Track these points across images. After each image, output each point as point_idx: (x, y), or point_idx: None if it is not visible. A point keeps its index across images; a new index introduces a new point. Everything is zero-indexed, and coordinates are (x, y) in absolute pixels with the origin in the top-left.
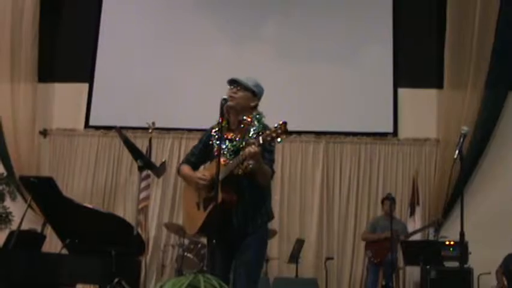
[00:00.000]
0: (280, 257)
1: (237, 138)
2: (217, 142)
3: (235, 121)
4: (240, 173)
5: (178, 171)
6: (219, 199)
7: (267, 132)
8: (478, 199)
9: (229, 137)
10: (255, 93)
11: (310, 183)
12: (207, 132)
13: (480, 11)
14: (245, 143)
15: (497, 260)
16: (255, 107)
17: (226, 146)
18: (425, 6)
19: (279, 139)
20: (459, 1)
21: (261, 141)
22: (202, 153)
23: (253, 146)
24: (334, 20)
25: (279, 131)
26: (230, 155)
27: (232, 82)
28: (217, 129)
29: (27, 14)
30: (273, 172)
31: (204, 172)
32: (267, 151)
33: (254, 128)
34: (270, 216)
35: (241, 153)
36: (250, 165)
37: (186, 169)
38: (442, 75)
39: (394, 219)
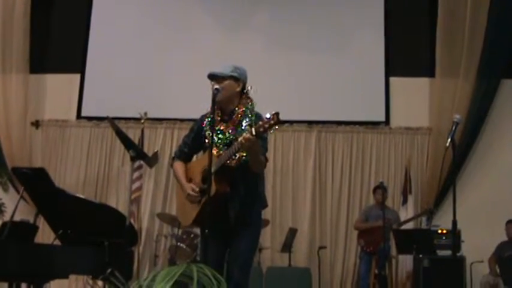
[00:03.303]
0: (273, 247)
1: (230, 130)
2: (209, 133)
3: (226, 111)
4: (233, 164)
5: (172, 166)
6: (213, 191)
7: (260, 123)
8: (471, 187)
9: (221, 128)
10: (236, 77)
11: (303, 173)
12: (198, 121)
13: None
14: (238, 136)
15: (489, 248)
16: (243, 90)
17: (219, 138)
18: None
19: (271, 130)
20: None
21: (253, 133)
22: (195, 143)
23: (246, 136)
24: (325, 9)
25: (272, 122)
26: (223, 146)
27: (210, 77)
28: (209, 118)
29: (19, 4)
30: (267, 160)
31: (196, 176)
32: (260, 139)
33: (247, 119)
34: (265, 205)
35: (233, 144)
36: (244, 157)
37: (179, 171)
38: (434, 64)
39: (387, 208)
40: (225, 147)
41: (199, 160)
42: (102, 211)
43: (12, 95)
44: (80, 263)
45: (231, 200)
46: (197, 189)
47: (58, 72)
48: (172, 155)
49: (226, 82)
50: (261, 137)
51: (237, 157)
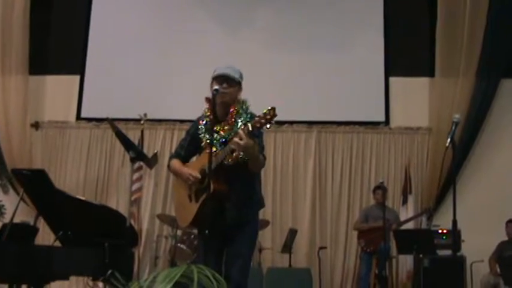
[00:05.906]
0: (273, 247)
1: (225, 129)
2: (206, 134)
3: (223, 113)
4: (230, 163)
5: (169, 166)
6: (211, 190)
7: (256, 118)
8: (471, 187)
9: (217, 128)
10: (240, 83)
11: (303, 173)
12: (194, 124)
13: None
14: (234, 133)
15: (490, 248)
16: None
17: (215, 138)
18: None
19: (268, 125)
20: None
21: (250, 129)
22: (191, 145)
23: (241, 136)
24: (325, 9)
25: (268, 117)
26: (219, 145)
27: (224, 80)
28: (205, 121)
29: (18, 5)
30: (265, 158)
31: (194, 170)
32: (255, 137)
33: (241, 118)
34: (262, 204)
35: (229, 142)
36: (241, 156)
37: (176, 164)
38: (434, 63)
39: (387, 208)
40: (222, 146)
41: (196, 161)
42: (102, 212)
43: (12, 96)
44: (80, 264)
45: (228, 200)
46: (197, 173)
47: (58, 73)
48: (169, 156)
49: (235, 87)
50: (255, 135)
51: (233, 156)
